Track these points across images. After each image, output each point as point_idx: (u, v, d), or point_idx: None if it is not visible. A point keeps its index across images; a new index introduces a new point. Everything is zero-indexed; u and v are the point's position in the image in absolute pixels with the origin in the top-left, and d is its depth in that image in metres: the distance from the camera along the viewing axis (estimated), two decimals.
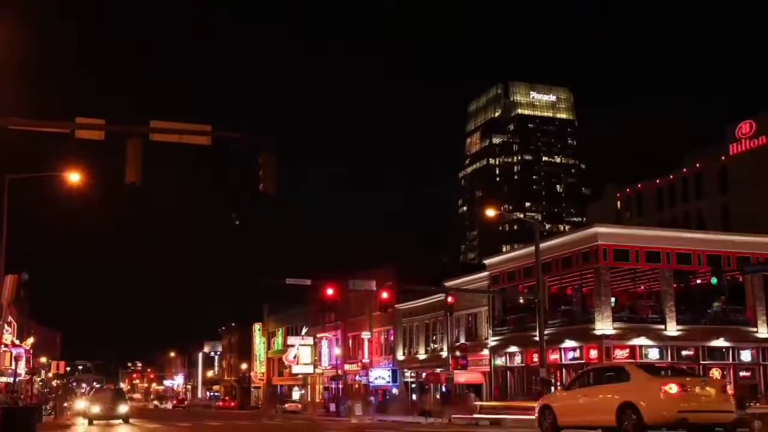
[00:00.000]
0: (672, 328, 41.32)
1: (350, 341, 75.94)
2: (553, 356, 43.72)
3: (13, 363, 55.61)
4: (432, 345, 60.80)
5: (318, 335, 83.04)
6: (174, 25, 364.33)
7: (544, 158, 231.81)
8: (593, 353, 40.98)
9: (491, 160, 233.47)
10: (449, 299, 49.92)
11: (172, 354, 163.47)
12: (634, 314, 42.83)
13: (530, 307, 45.60)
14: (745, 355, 43.10)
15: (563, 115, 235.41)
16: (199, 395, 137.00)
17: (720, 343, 42.42)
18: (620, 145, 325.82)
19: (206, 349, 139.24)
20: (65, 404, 71.70)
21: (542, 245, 42.90)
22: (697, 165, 78.53)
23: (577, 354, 42.80)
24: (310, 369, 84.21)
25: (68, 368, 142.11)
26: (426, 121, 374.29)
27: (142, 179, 19.35)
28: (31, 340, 70.30)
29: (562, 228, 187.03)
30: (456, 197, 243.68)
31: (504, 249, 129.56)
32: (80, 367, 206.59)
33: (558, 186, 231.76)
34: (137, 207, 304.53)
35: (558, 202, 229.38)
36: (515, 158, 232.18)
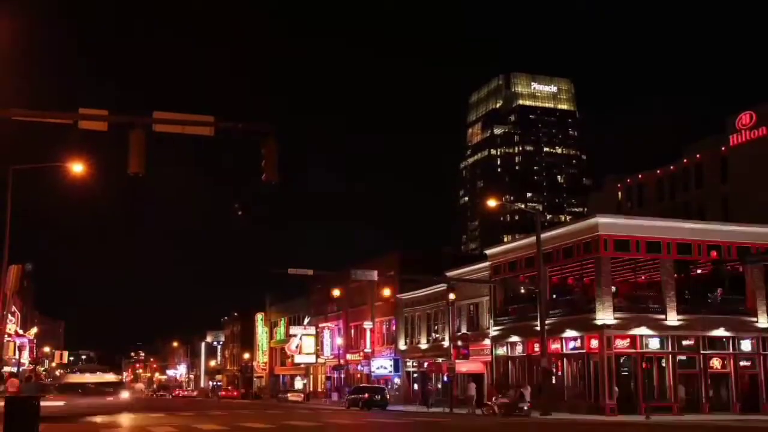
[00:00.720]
0: (672, 318, 41.45)
1: (352, 331, 76.23)
2: (554, 346, 43.91)
3: (17, 353, 56.06)
4: (433, 335, 61.04)
5: (320, 325, 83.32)
6: (175, 20, 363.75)
7: (545, 149, 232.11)
8: (594, 343, 41.15)
9: (492, 151, 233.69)
10: (450, 296, 50.19)
11: (175, 344, 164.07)
12: (635, 304, 42.91)
13: (531, 297, 45.83)
14: (746, 345, 43.21)
15: (564, 106, 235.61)
16: (202, 384, 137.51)
17: (720, 332, 42.52)
18: (621, 136, 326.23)
19: (209, 339, 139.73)
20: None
21: (543, 235, 43.09)
22: (698, 156, 78.63)
23: (578, 344, 42.96)
24: (312, 359, 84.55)
25: (71, 358, 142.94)
26: (427, 111, 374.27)
27: (145, 170, 19.43)
28: (34, 330, 70.79)
29: (563, 218, 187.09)
30: (457, 188, 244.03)
31: (505, 239, 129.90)
32: (83, 357, 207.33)
33: (559, 177, 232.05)
34: (140, 197, 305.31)
35: (559, 192, 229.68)
36: (516, 149, 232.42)
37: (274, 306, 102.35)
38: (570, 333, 43.47)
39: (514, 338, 49.00)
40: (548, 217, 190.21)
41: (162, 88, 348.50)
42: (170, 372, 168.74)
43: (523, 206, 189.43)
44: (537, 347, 43.33)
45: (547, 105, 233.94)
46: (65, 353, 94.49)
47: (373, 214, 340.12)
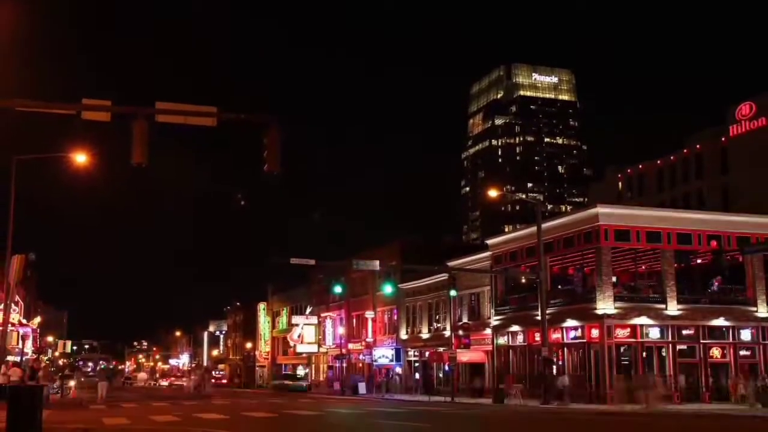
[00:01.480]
0: (673, 308, 41.65)
1: (354, 320, 76.49)
2: (555, 335, 44.13)
3: (20, 342, 56.25)
4: (435, 324, 61.27)
5: (322, 314, 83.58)
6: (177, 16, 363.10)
7: (546, 139, 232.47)
8: (595, 332, 41.36)
9: (494, 141, 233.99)
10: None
11: (178, 333, 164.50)
12: (635, 294, 43.12)
13: (532, 287, 45.98)
14: (745, 335, 43.40)
15: (565, 97, 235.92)
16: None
17: (720, 322, 42.71)
18: (621, 127, 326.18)
19: (211, 329, 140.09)
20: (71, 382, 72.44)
21: (544, 225, 43.22)
22: (698, 146, 78.83)
23: (579, 333, 43.18)
24: (314, 348, 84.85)
25: (75, 347, 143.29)
26: (429, 102, 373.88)
27: (148, 160, 19.53)
28: (38, 320, 70.96)
29: (563, 208, 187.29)
30: (459, 178, 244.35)
31: (506, 229, 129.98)
32: (86, 347, 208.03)
33: (560, 167, 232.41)
34: (143, 187, 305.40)
35: (560, 182, 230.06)
36: (517, 139, 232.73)
37: (276, 296, 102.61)
38: (570, 322, 43.68)
39: (515, 328, 49.21)
40: (549, 207, 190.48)
41: (164, 83, 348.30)
42: (173, 361, 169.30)
43: (523, 196, 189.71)
44: (538, 337, 43.54)
45: (547, 96, 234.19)
46: (68, 342, 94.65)
47: (375, 205, 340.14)
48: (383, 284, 53.39)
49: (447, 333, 56.11)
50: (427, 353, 59.88)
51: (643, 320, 41.31)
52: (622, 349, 41.45)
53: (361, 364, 73.77)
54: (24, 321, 61.83)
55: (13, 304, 44.48)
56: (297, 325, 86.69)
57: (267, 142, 19.86)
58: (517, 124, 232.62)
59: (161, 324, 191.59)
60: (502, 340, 51.07)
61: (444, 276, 54.24)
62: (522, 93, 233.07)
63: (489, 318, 52.55)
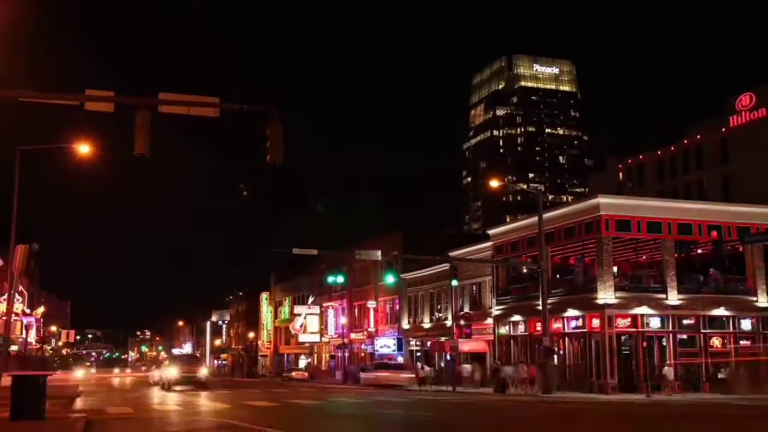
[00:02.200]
0: (673, 298, 41.81)
1: (356, 310, 76.74)
2: (556, 325, 44.30)
3: (24, 332, 56.59)
4: (437, 314, 61.50)
5: (324, 304, 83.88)
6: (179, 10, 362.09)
7: (547, 130, 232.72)
8: (595, 322, 41.53)
9: (495, 132, 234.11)
10: (454, 282, 50.51)
11: (181, 323, 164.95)
12: (636, 284, 43.26)
13: (533, 277, 46.16)
14: (746, 324, 43.56)
15: (566, 88, 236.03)
16: (207, 363, 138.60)
17: (721, 312, 42.87)
18: (622, 117, 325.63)
19: (214, 318, 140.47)
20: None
21: (545, 216, 43.34)
22: (698, 137, 78.94)
23: (580, 323, 43.34)
24: (316, 338, 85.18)
25: (78, 337, 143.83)
26: (430, 93, 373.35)
27: (151, 151, 19.65)
28: (41, 310, 71.35)
29: (564, 199, 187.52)
30: (460, 168, 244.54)
31: (507, 219, 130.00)
32: (90, 336, 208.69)
33: (561, 157, 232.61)
34: (146, 177, 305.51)
35: (561, 173, 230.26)
36: (518, 130, 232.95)
37: (279, 285, 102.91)
38: (572, 312, 43.85)
39: (517, 317, 49.39)
40: (550, 198, 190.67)
41: (162, 83, 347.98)
42: (176, 351, 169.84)
43: (525, 186, 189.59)
44: (539, 326, 43.71)
45: (548, 86, 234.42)
46: (72, 332, 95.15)
47: (377, 195, 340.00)
48: (385, 274, 53.63)
49: (449, 323, 56.33)
50: (428, 343, 60.12)
51: (643, 310, 41.47)
52: (622, 339, 41.64)
53: (363, 354, 74.06)
54: (27, 311, 62.19)
55: (16, 294, 44.72)
56: (299, 314, 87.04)
57: (269, 132, 19.99)
58: (518, 115, 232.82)
59: (164, 314, 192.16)
60: (503, 330, 51.25)
61: (445, 266, 54.38)
62: (523, 84, 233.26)
63: (490, 308, 52.74)
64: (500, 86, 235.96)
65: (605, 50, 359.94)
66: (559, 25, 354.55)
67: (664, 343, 41.99)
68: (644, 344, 41.17)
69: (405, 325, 66.45)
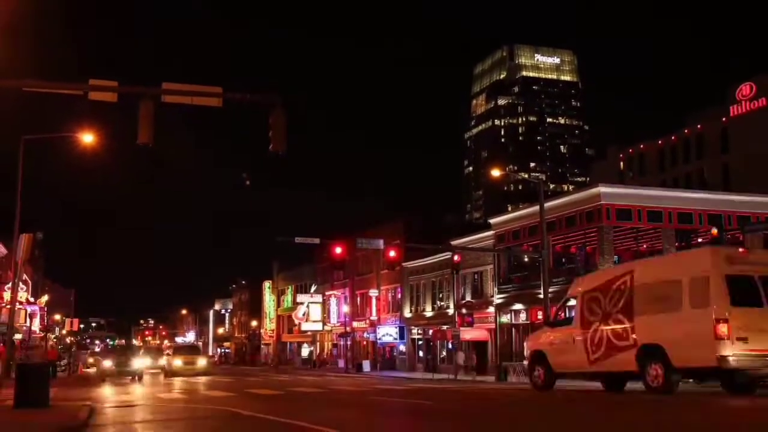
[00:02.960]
0: None
1: (358, 299, 77.00)
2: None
3: (28, 320, 56.89)
4: (438, 303, 61.73)
5: (327, 293, 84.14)
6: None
7: (549, 119, 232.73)
8: None
9: (496, 122, 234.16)
10: (455, 258, 50.66)
11: (184, 311, 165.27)
12: None
13: (535, 266, 46.33)
14: None
15: (567, 77, 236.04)
16: (210, 351, 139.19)
17: None
18: (623, 107, 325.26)
19: (217, 307, 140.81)
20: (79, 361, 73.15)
21: (546, 205, 43.37)
22: (698, 126, 79.03)
23: None
24: (319, 326, 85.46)
25: (82, 325, 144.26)
26: (432, 83, 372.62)
27: (155, 140, 19.78)
28: (45, 298, 71.59)
29: (566, 188, 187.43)
30: (462, 158, 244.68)
31: (509, 208, 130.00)
32: (93, 324, 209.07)
33: (562, 147, 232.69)
34: (150, 166, 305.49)
35: (562, 162, 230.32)
36: (520, 119, 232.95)
37: (282, 274, 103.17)
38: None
39: (518, 306, 49.60)
40: (551, 187, 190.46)
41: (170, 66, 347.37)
42: (179, 339, 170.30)
43: (526, 176, 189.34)
44: (540, 315, 43.84)
45: (550, 76, 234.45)
46: (76, 320, 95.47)
47: (379, 185, 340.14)
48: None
49: (450, 311, 56.57)
50: (430, 331, 60.37)
51: None
52: None
53: (365, 342, 74.37)
54: (32, 299, 62.46)
55: (20, 283, 44.96)
56: (302, 303, 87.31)
57: (272, 122, 20.10)
58: (520, 105, 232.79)
59: (167, 302, 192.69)
60: (505, 318, 51.49)
61: (447, 255, 54.55)
62: (524, 73, 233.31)
63: (492, 296, 52.97)
64: (502, 76, 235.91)
65: (606, 40, 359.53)
66: (560, 15, 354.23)
67: None
68: None
69: (407, 313, 66.70)
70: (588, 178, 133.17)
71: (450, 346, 53.50)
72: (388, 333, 68.95)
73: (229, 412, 17.26)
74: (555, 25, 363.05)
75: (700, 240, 46.03)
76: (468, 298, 56.38)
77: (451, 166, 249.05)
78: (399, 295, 68.51)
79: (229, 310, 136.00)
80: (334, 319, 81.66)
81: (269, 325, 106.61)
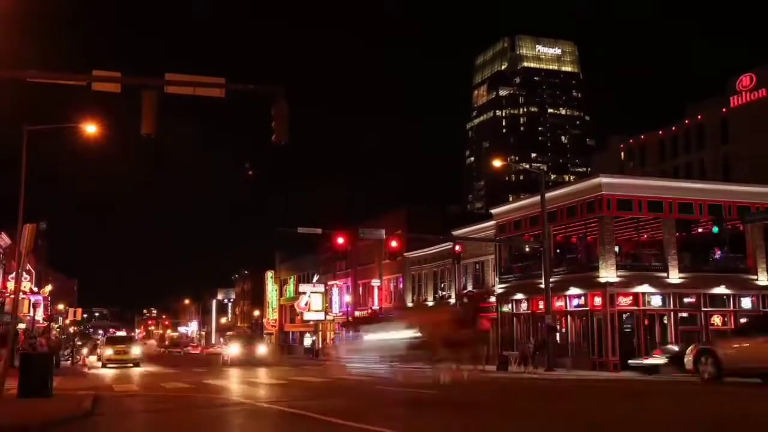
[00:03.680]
0: (674, 276, 42.13)
1: (360, 288, 77.22)
2: (558, 303, 44.66)
3: (31, 310, 57.07)
4: (440, 292, 61.92)
5: (329, 283, 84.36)
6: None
7: (550, 110, 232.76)
8: (597, 300, 41.93)
9: (498, 112, 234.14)
10: (457, 248, 50.91)
11: (187, 301, 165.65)
12: (637, 262, 43.57)
13: (536, 256, 46.48)
14: (746, 303, 43.82)
15: (568, 68, 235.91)
16: (213, 341, 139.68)
17: (721, 290, 43.14)
18: (624, 98, 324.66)
19: (220, 297, 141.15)
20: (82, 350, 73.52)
21: (548, 195, 43.60)
22: (699, 117, 79.10)
23: (582, 301, 43.71)
24: (321, 316, 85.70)
25: (85, 315, 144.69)
26: (433, 74, 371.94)
27: (158, 131, 19.86)
28: (48, 288, 71.67)
29: (567, 178, 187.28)
30: (463, 148, 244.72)
31: (510, 199, 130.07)
32: (96, 314, 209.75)
33: (563, 137, 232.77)
34: (153, 157, 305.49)
35: (563, 153, 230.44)
36: (521, 110, 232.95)
37: (284, 264, 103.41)
38: (574, 290, 44.20)
39: (519, 296, 49.77)
40: (552, 177, 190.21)
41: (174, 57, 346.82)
42: (182, 329, 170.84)
43: (527, 166, 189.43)
44: (541, 305, 44.08)
45: (551, 67, 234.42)
46: (79, 310, 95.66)
47: (380, 174, 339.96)
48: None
49: (452, 301, 56.74)
50: None
51: (645, 288, 41.79)
52: (624, 317, 41.99)
53: None
54: (35, 289, 62.62)
55: (24, 273, 45.13)
56: (304, 293, 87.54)
57: (274, 113, 20.19)
58: (521, 95, 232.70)
59: (170, 292, 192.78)
60: (506, 308, 51.66)
61: (449, 245, 54.71)
62: (526, 64, 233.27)
63: (493, 286, 53.12)
64: (503, 67, 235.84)
65: (607, 31, 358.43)
66: (561, 6, 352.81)
67: (665, 321, 42.36)
68: (645, 322, 41.58)
69: (409, 303, 66.87)
70: (589, 169, 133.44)
71: None
72: None
73: (238, 402, 17.38)
74: (556, 16, 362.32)
75: (700, 230, 46.23)
76: (469, 287, 56.54)
77: (453, 156, 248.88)
78: (401, 285, 68.71)
79: (231, 300, 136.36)
80: (336, 308, 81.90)
81: (272, 314, 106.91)
